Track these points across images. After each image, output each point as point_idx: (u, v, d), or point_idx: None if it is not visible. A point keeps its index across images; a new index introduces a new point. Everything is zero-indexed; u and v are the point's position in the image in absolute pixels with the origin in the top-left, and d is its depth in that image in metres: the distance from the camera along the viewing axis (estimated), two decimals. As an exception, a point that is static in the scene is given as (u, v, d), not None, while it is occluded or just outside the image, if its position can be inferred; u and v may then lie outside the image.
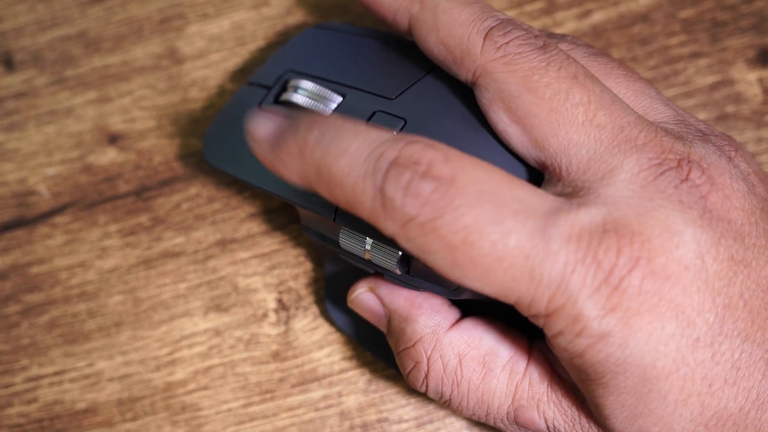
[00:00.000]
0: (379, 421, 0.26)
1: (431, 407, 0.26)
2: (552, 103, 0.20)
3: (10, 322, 0.27)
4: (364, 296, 0.24)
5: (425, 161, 0.19)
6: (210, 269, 0.27)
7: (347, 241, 0.22)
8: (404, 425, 0.26)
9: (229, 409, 0.26)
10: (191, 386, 0.26)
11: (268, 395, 0.26)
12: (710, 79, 0.27)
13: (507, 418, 0.22)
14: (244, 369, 0.26)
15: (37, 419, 0.27)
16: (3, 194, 0.28)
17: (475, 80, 0.21)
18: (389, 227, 0.19)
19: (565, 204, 0.19)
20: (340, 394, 0.26)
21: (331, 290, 0.26)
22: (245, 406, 0.26)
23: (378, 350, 0.25)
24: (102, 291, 0.27)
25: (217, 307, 0.27)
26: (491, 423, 0.22)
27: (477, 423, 0.25)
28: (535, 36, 0.21)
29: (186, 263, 0.27)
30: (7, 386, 0.27)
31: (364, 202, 0.19)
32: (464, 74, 0.22)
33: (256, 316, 0.27)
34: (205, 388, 0.26)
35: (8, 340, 0.27)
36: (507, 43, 0.21)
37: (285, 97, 0.24)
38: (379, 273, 0.23)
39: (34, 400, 0.27)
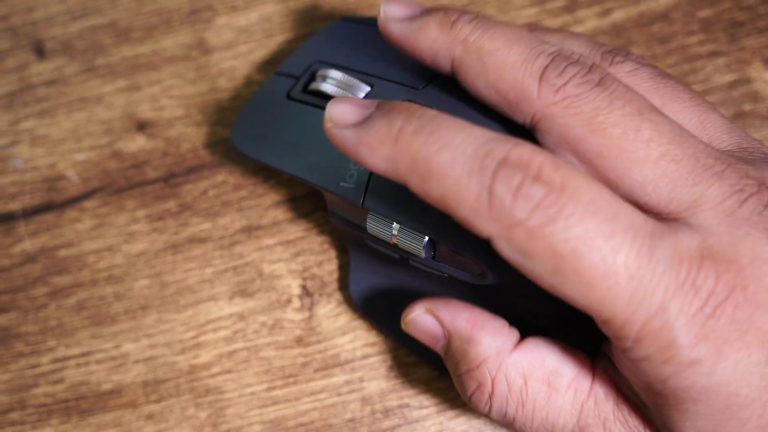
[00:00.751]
0: (400, 406, 0.26)
1: (452, 394, 0.26)
2: (621, 142, 0.20)
3: (39, 304, 0.28)
4: (422, 318, 0.23)
5: (535, 165, 0.18)
6: (236, 255, 0.28)
7: (374, 225, 0.23)
8: (425, 411, 0.26)
9: (253, 393, 0.27)
10: (215, 369, 0.27)
11: (291, 379, 0.27)
12: (728, 78, 0.28)
13: None
14: (267, 353, 0.27)
15: (62, 399, 0.27)
16: (33, 179, 0.29)
17: (534, 124, 0.21)
18: (490, 228, 0.18)
19: (665, 227, 0.19)
20: (361, 380, 0.26)
21: (356, 277, 0.27)
22: (268, 389, 0.27)
23: (401, 336, 0.26)
24: (129, 275, 0.28)
25: (242, 292, 0.27)
26: None
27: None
28: (590, 70, 0.21)
29: (212, 249, 0.28)
30: (34, 366, 0.28)
31: (466, 198, 0.18)
32: (521, 118, 0.21)
33: (280, 301, 0.27)
34: (229, 371, 0.27)
35: (36, 321, 0.28)
36: (564, 84, 0.20)
37: (314, 86, 0.25)
38: (404, 258, 0.24)
39: (61, 380, 0.27)
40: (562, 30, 0.25)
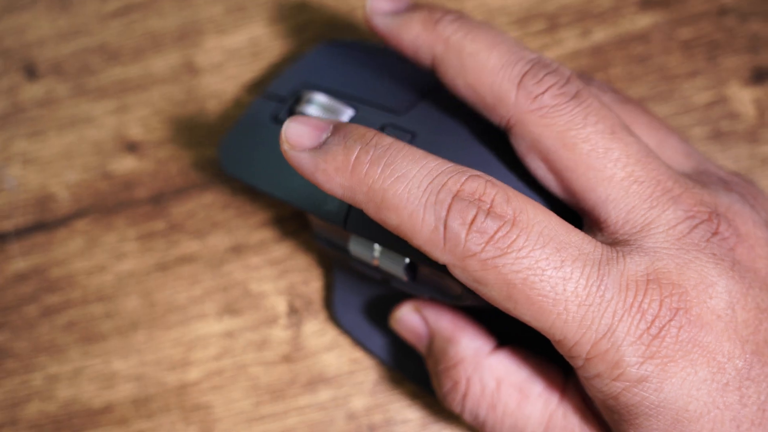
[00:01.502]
0: (385, 421, 0.27)
1: (436, 409, 0.27)
2: (590, 159, 0.21)
3: (31, 322, 0.29)
4: (410, 316, 0.25)
5: (488, 198, 0.19)
6: (224, 274, 0.28)
7: (357, 247, 0.24)
8: (409, 426, 0.27)
9: (240, 409, 0.27)
10: (204, 386, 0.28)
11: (277, 395, 0.27)
12: (706, 98, 0.29)
13: None
14: (255, 370, 0.28)
15: (54, 416, 0.28)
16: (25, 199, 0.30)
17: (509, 128, 0.22)
18: (445, 258, 0.20)
19: (613, 252, 0.20)
20: (347, 395, 0.27)
21: (340, 297, 0.27)
22: (256, 405, 0.27)
23: (384, 354, 0.27)
24: (119, 293, 0.29)
25: (231, 310, 0.28)
26: None
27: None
28: (567, 81, 0.21)
29: (201, 268, 0.29)
30: (26, 383, 0.28)
31: (421, 231, 0.19)
32: (497, 120, 0.22)
33: (267, 319, 0.28)
34: (217, 387, 0.28)
35: (28, 339, 0.29)
36: (542, 93, 0.21)
37: (299, 109, 0.25)
38: (386, 279, 0.24)
39: (52, 397, 0.28)
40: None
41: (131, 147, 0.30)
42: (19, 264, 0.29)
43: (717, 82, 0.29)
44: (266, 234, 0.29)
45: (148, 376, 0.28)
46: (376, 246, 0.23)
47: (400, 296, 0.26)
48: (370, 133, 0.20)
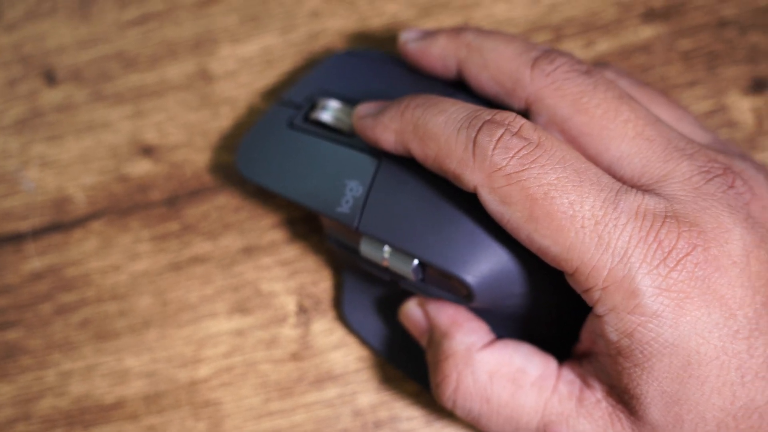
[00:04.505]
0: (390, 418, 0.28)
1: (439, 406, 0.28)
2: (602, 121, 0.23)
3: (45, 320, 0.30)
4: (413, 310, 0.26)
5: (516, 124, 0.22)
6: (235, 274, 0.30)
7: (367, 248, 0.25)
8: (414, 423, 0.28)
9: (249, 405, 0.29)
10: (214, 383, 0.29)
11: (286, 392, 0.29)
12: (706, 106, 0.30)
13: None
14: (264, 368, 0.29)
15: (67, 411, 0.29)
16: (42, 201, 0.31)
17: (528, 107, 0.24)
18: (475, 177, 0.22)
19: (634, 189, 0.22)
20: (353, 393, 0.28)
21: (349, 298, 0.29)
22: (264, 402, 0.29)
23: (390, 354, 0.28)
24: (132, 292, 0.30)
25: (241, 309, 0.30)
26: None
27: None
28: (579, 62, 0.24)
29: (213, 268, 0.30)
30: (39, 379, 0.30)
31: (455, 151, 0.22)
32: (517, 103, 0.24)
33: (277, 318, 0.29)
34: (227, 384, 0.29)
35: (43, 337, 0.30)
36: (554, 70, 0.24)
37: (314, 115, 0.27)
38: (395, 281, 0.26)
39: (65, 393, 0.29)
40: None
41: (147, 151, 0.32)
42: (36, 263, 0.31)
43: (716, 91, 0.30)
44: (277, 235, 0.30)
45: (160, 373, 0.29)
46: (386, 247, 0.24)
47: (407, 297, 0.27)
48: (420, 95, 0.24)
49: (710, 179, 0.22)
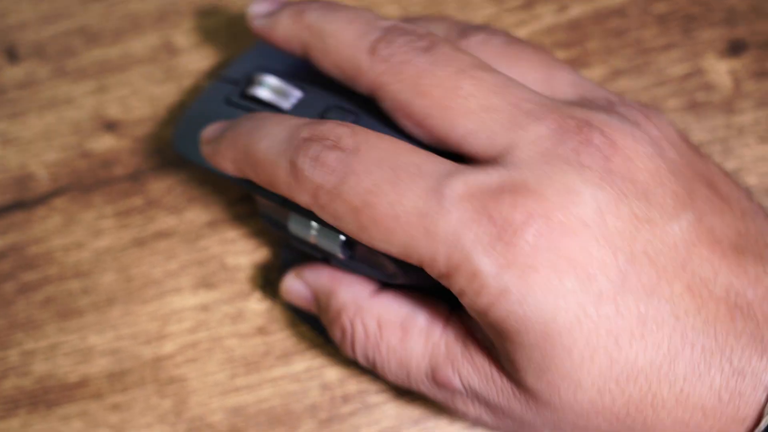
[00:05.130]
0: (359, 392, 0.28)
1: (410, 380, 0.27)
2: (443, 101, 0.22)
3: (7, 299, 0.30)
4: (291, 283, 0.26)
5: (333, 136, 0.21)
6: (200, 248, 0.29)
7: (295, 225, 0.25)
8: (383, 396, 0.28)
9: (215, 381, 0.28)
10: (179, 359, 0.28)
11: (252, 367, 0.28)
12: (682, 70, 0.30)
13: (426, 378, 0.23)
14: (230, 342, 0.28)
15: (30, 391, 0.29)
16: (3, 179, 0.31)
17: (371, 94, 0.23)
18: (303, 198, 0.22)
19: (463, 167, 0.21)
20: (321, 366, 0.28)
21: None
22: (230, 377, 0.28)
23: (326, 334, 0.27)
24: (96, 269, 0.30)
25: (206, 284, 0.29)
26: (414, 387, 0.24)
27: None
28: (420, 38, 0.23)
29: (177, 243, 0.29)
30: (2, 359, 0.29)
31: (280, 176, 0.22)
32: (363, 91, 0.23)
33: (242, 292, 0.29)
34: (192, 360, 0.28)
35: (5, 316, 0.29)
36: (392, 53, 0.22)
37: (249, 91, 0.26)
38: (326, 258, 0.25)
39: (28, 373, 0.29)
40: (429, 17, 0.28)
41: (110, 126, 0.31)
42: (-2, 242, 0.30)
43: (693, 54, 0.30)
44: (242, 209, 0.30)
45: (124, 350, 0.29)
46: (314, 223, 0.24)
47: None
48: (256, 113, 0.24)
49: (561, 140, 0.21)
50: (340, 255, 0.24)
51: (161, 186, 0.30)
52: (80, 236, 0.30)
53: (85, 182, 0.31)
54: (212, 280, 0.29)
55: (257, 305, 0.29)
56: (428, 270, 0.21)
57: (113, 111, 0.31)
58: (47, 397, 0.29)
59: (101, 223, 0.30)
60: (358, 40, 0.23)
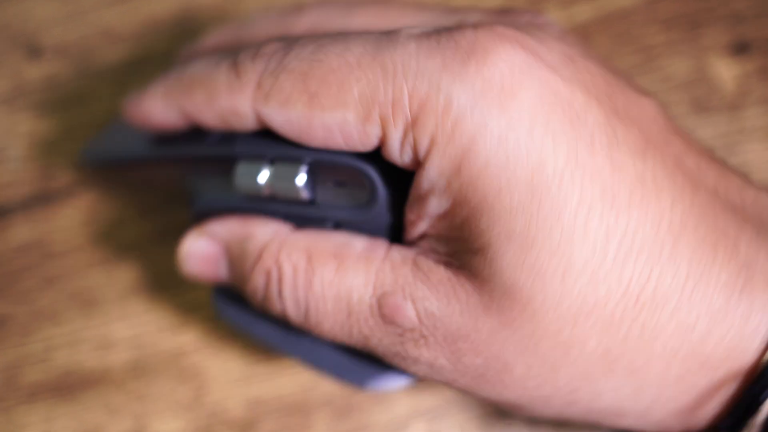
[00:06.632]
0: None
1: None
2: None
3: (32, 290, 0.30)
4: (195, 242, 0.23)
5: (269, 49, 0.20)
6: (219, 241, 0.30)
7: (244, 176, 0.21)
8: (398, 385, 0.28)
9: (235, 370, 0.29)
10: (200, 348, 0.29)
11: (270, 356, 0.29)
12: (686, 71, 0.30)
13: (371, 313, 0.19)
14: (249, 333, 0.29)
15: (52, 379, 0.30)
16: (29, 173, 0.32)
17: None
18: (247, 96, 0.20)
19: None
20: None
21: (219, 291, 0.25)
22: (249, 366, 0.29)
23: (272, 337, 0.25)
24: (119, 260, 0.31)
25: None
26: (356, 331, 0.20)
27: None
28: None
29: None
30: (27, 348, 0.30)
31: (220, 82, 0.20)
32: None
33: (261, 284, 0.30)
34: (212, 349, 0.29)
35: (30, 306, 0.30)
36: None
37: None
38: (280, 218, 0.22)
39: (51, 360, 0.30)
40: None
41: (132, 123, 0.32)
42: (24, 234, 0.31)
43: (697, 56, 0.31)
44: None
45: (146, 341, 0.30)
46: (265, 169, 0.21)
47: None
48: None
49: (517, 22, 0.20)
50: (302, 194, 0.21)
51: (182, 181, 0.31)
52: (104, 228, 0.31)
53: (109, 176, 0.32)
54: (231, 273, 0.30)
55: (275, 297, 0.30)
56: (391, 129, 0.18)
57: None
58: (71, 385, 0.30)
59: (124, 215, 0.31)
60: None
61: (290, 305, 0.21)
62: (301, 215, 0.21)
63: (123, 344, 0.30)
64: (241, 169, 0.21)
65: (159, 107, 0.22)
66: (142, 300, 0.30)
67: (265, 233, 0.21)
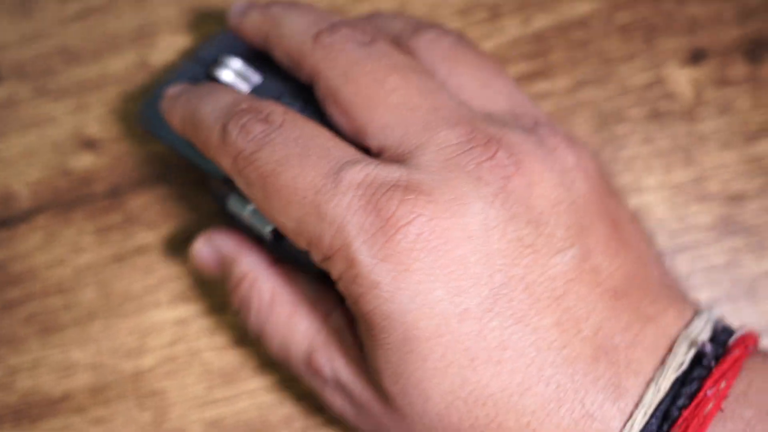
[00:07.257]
0: (333, 401, 0.28)
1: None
2: (368, 90, 0.23)
3: (-8, 316, 0.30)
4: (201, 247, 0.27)
5: (266, 111, 0.22)
6: (177, 263, 0.30)
7: (233, 204, 0.26)
8: (357, 404, 0.28)
9: (194, 394, 0.29)
10: (159, 372, 0.29)
11: (229, 379, 0.29)
12: (644, 79, 0.30)
13: (302, 362, 0.24)
14: (207, 355, 0.29)
15: (13, 406, 0.29)
16: (-14, 197, 0.32)
17: (310, 81, 0.24)
18: (226, 161, 0.23)
19: (369, 159, 0.22)
20: (296, 377, 0.28)
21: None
22: (208, 390, 0.29)
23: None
24: (77, 285, 0.30)
25: (184, 297, 0.30)
26: (293, 369, 0.25)
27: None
28: (363, 33, 0.24)
29: (155, 258, 0.30)
30: (-13, 375, 0.30)
31: (212, 138, 0.23)
32: (304, 77, 0.24)
33: (219, 305, 0.29)
34: (171, 373, 0.29)
35: (-11, 333, 0.30)
36: (332, 42, 0.23)
37: (213, 72, 0.27)
38: (262, 240, 0.26)
39: (12, 388, 0.30)
40: (387, 12, 0.28)
41: (89, 144, 0.32)
42: (-18, 260, 0.31)
43: (655, 63, 0.30)
44: (217, 223, 0.30)
45: (105, 365, 0.29)
46: (249, 206, 0.25)
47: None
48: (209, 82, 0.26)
49: (467, 150, 0.21)
50: (268, 236, 0.25)
51: (139, 202, 0.31)
52: (62, 253, 0.31)
53: (65, 200, 0.31)
54: (189, 294, 0.30)
55: (233, 318, 0.29)
56: (314, 251, 0.21)
57: (92, 129, 0.32)
58: (31, 411, 0.29)
59: (82, 240, 0.31)
60: (307, 30, 0.24)
61: (253, 328, 0.26)
62: (271, 248, 0.26)
63: (83, 369, 0.29)
64: (233, 200, 0.26)
65: (178, 126, 0.25)
66: (100, 324, 0.30)
67: (248, 262, 0.26)
